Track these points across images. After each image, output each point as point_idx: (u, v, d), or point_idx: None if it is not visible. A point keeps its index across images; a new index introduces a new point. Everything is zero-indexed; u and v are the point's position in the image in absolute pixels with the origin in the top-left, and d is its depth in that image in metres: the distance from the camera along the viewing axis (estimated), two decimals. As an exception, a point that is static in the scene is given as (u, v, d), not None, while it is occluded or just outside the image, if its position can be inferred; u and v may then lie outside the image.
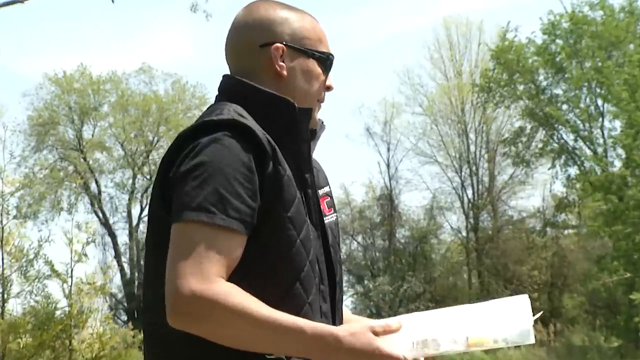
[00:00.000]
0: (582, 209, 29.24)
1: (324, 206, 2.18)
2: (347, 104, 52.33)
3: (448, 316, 2.00)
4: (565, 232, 32.57)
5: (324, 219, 2.16)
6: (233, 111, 2.01)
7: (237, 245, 1.88)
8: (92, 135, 33.61)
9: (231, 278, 1.88)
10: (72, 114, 33.02)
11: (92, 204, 33.41)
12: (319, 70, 2.16)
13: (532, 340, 1.97)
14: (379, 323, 1.92)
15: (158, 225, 1.99)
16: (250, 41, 2.13)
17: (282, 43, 2.12)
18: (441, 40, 33.76)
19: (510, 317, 1.99)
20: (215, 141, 1.92)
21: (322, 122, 2.23)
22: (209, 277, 1.82)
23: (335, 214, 2.23)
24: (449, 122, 33.55)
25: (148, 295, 2.05)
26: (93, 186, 33.46)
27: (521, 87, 29.71)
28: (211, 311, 1.81)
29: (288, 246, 1.95)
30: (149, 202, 2.11)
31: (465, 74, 33.45)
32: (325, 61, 2.17)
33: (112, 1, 13.58)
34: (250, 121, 1.99)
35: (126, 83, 33.77)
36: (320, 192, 2.18)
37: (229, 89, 2.14)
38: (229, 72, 2.19)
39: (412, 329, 1.95)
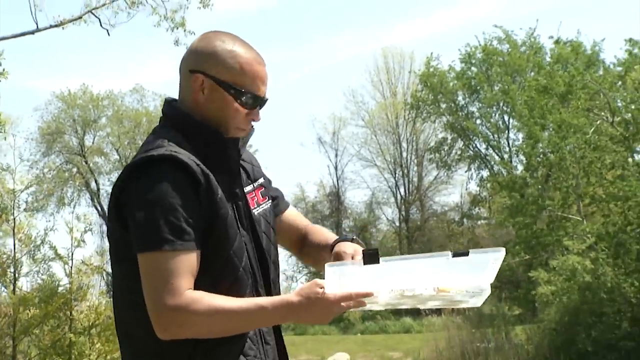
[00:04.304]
0: (491, 204, 29.66)
1: (258, 196, 2.15)
2: (302, 118, 52.51)
3: (424, 266, 1.89)
4: (479, 222, 33.01)
5: (259, 208, 2.14)
6: (171, 144, 1.97)
7: (194, 260, 1.90)
8: (92, 143, 33.46)
9: None
10: (76, 125, 32.88)
11: (92, 199, 33.29)
12: (235, 104, 2.02)
13: (481, 302, 1.92)
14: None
15: (117, 242, 2.00)
16: (186, 65, 2.06)
17: (203, 73, 2.01)
18: (380, 66, 34.33)
19: (477, 273, 1.88)
20: (159, 178, 1.90)
21: (252, 127, 2.12)
22: (180, 292, 1.85)
23: (269, 201, 2.20)
24: (385, 133, 34.08)
25: (117, 300, 2.05)
26: (93, 185, 33.31)
27: (444, 106, 30.23)
28: (189, 318, 1.85)
29: (223, 257, 1.96)
30: (107, 219, 2.03)
31: (399, 94, 33.90)
32: (243, 98, 2.02)
33: (108, 34, 13.61)
34: (184, 154, 1.94)
35: (121, 100, 33.56)
36: (256, 183, 2.17)
37: (169, 115, 2.09)
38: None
39: (391, 278, 1.91)
